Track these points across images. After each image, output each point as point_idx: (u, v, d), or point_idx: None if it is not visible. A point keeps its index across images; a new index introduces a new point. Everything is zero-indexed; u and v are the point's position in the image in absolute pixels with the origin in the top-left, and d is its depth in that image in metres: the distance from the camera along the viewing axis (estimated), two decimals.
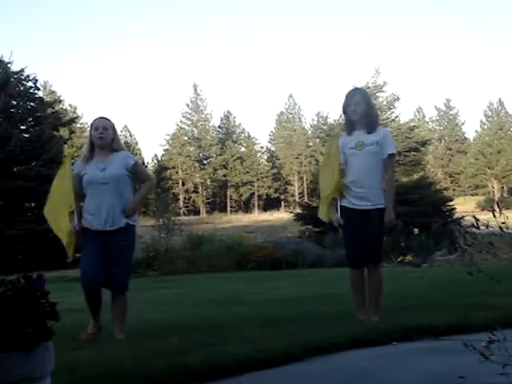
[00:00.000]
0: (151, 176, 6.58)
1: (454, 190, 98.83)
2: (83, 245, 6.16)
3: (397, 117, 35.30)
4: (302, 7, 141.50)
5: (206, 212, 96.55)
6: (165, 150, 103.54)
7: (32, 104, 33.99)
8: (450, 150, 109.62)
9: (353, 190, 6.45)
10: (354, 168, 6.45)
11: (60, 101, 66.50)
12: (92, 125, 6.31)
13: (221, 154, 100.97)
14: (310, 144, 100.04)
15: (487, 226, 3.43)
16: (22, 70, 33.25)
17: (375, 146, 6.42)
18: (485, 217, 3.45)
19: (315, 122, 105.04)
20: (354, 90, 6.75)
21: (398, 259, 19.92)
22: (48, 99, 47.25)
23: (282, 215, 62.59)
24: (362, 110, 6.47)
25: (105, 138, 6.20)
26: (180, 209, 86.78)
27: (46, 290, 3.39)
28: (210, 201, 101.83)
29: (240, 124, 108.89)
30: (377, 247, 6.50)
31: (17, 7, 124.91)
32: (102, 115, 6.44)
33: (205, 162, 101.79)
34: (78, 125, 77.83)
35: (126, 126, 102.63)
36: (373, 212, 6.40)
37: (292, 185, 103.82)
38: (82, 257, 6.20)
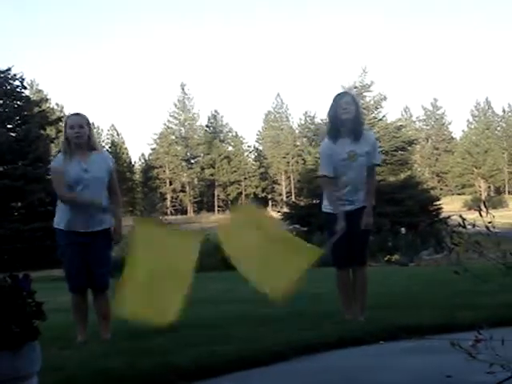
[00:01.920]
0: (118, 189, 6.51)
1: (440, 189, 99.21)
2: (62, 245, 6.13)
3: (384, 116, 35.49)
4: (289, 7, 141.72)
5: (194, 211, 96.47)
6: (152, 149, 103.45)
7: (19, 103, 33.95)
8: (437, 149, 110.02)
9: (342, 199, 6.43)
10: (347, 180, 6.39)
11: (47, 100, 66.36)
12: (66, 122, 6.22)
13: (208, 154, 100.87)
14: (298, 143, 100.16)
15: (474, 226, 3.44)
16: (9, 69, 33.18)
17: (366, 156, 6.41)
18: (471, 216, 3.46)
19: (303, 122, 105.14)
20: (343, 92, 6.72)
21: (385, 258, 19.99)
22: (35, 98, 47.13)
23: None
24: (353, 111, 6.43)
25: (81, 137, 6.08)
26: (167, 208, 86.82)
27: (32, 290, 3.38)
28: (197, 200, 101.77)
29: (227, 123, 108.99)
30: (362, 248, 6.50)
31: (1, 6, 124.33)
32: (76, 111, 6.36)
33: (192, 161, 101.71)
34: None
35: (113, 125, 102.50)
36: (357, 213, 6.39)
37: (279, 184, 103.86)
38: (64, 260, 6.17)
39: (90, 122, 6.33)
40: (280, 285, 5.33)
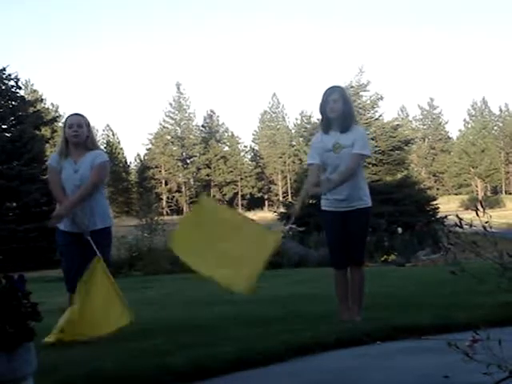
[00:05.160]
0: (97, 180, 6.22)
1: (437, 189, 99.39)
2: (61, 246, 6.12)
3: (380, 116, 35.53)
4: (285, 6, 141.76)
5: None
6: (148, 150, 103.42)
7: (13, 103, 33.96)
8: (434, 149, 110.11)
9: (332, 193, 6.40)
10: (332, 171, 6.38)
11: (42, 100, 66.30)
12: (66, 122, 6.22)
13: (204, 154, 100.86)
14: (294, 143, 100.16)
15: (471, 226, 3.44)
16: (4, 69, 33.17)
17: (351, 147, 6.39)
18: (468, 216, 3.46)
19: (299, 121, 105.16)
20: (331, 87, 6.64)
21: (382, 259, 19.98)
22: (30, 98, 47.23)
23: (265, 215, 62.60)
24: (340, 108, 6.42)
25: (79, 136, 6.11)
26: (163, 208, 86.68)
27: (27, 291, 3.37)
28: (193, 200, 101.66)
29: (223, 123, 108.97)
30: (358, 248, 6.49)
31: None
32: (76, 111, 6.33)
33: (188, 161, 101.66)
34: (60, 124, 77.50)
35: (108, 125, 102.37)
36: (353, 213, 6.38)
37: (276, 184, 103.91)
38: (63, 260, 6.16)
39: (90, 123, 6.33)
40: (243, 276, 5.58)
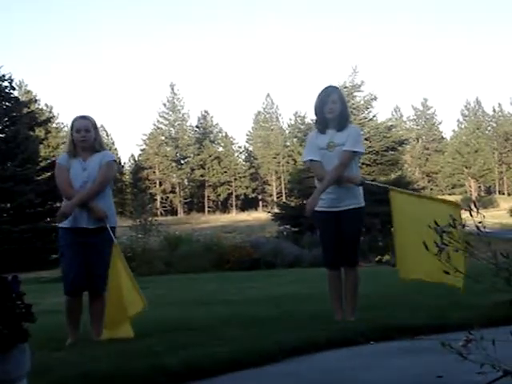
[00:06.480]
0: (105, 179, 6.19)
1: (431, 189, 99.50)
2: (62, 245, 6.12)
3: (374, 116, 35.58)
4: (279, 7, 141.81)
5: (184, 212, 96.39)
6: (142, 150, 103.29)
7: (7, 104, 33.89)
8: (428, 149, 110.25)
9: (326, 192, 6.39)
10: (327, 169, 6.38)
11: (36, 100, 66.21)
12: (73, 125, 6.21)
13: (198, 154, 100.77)
14: (288, 144, 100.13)
15: (464, 226, 3.44)
16: None
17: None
18: (462, 216, 3.46)
19: (293, 122, 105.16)
20: (329, 87, 6.61)
21: (376, 259, 19.99)
22: (24, 99, 47.14)
23: (260, 215, 62.68)
24: (339, 110, 6.42)
25: (87, 141, 6.14)
26: (157, 209, 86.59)
27: (21, 292, 3.36)
28: (187, 201, 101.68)
29: (217, 124, 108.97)
30: (352, 249, 6.48)
31: None
32: (82, 114, 6.30)
33: (182, 161, 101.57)
34: (54, 125, 77.58)
35: (102, 126, 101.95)
36: (347, 213, 6.38)
37: (270, 185, 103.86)
38: (63, 258, 6.15)
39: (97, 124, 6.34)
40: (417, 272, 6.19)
